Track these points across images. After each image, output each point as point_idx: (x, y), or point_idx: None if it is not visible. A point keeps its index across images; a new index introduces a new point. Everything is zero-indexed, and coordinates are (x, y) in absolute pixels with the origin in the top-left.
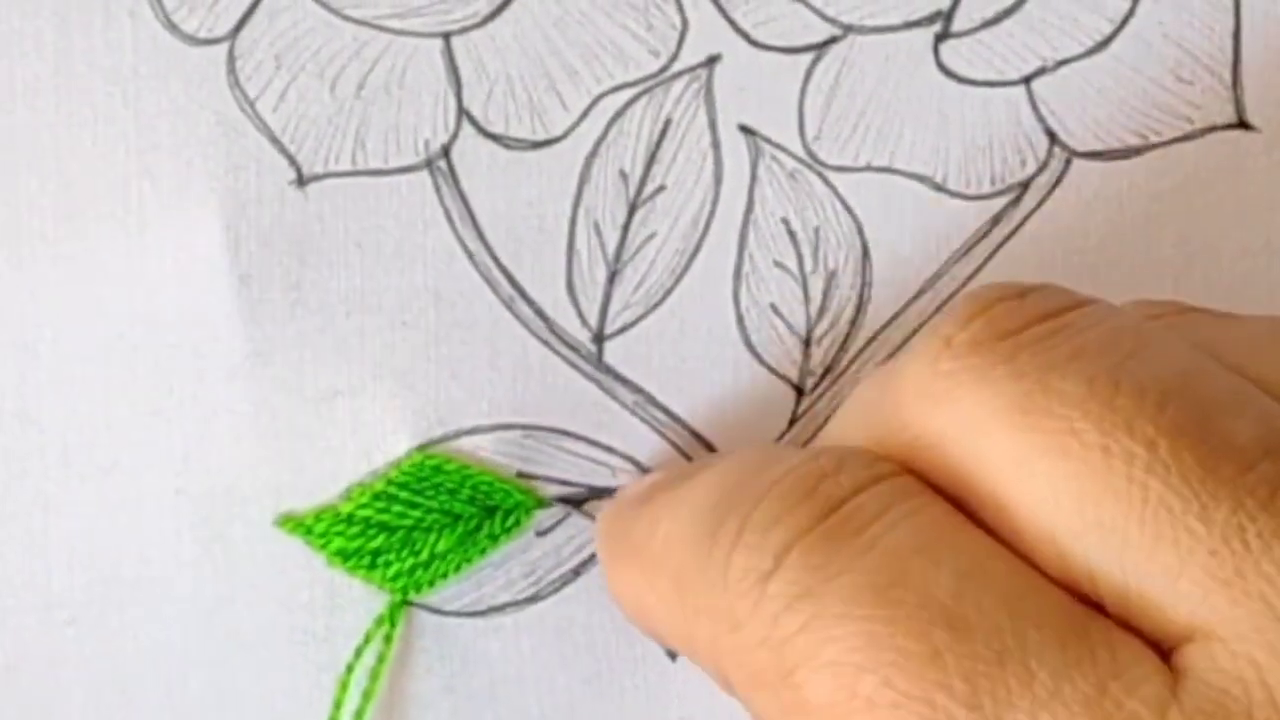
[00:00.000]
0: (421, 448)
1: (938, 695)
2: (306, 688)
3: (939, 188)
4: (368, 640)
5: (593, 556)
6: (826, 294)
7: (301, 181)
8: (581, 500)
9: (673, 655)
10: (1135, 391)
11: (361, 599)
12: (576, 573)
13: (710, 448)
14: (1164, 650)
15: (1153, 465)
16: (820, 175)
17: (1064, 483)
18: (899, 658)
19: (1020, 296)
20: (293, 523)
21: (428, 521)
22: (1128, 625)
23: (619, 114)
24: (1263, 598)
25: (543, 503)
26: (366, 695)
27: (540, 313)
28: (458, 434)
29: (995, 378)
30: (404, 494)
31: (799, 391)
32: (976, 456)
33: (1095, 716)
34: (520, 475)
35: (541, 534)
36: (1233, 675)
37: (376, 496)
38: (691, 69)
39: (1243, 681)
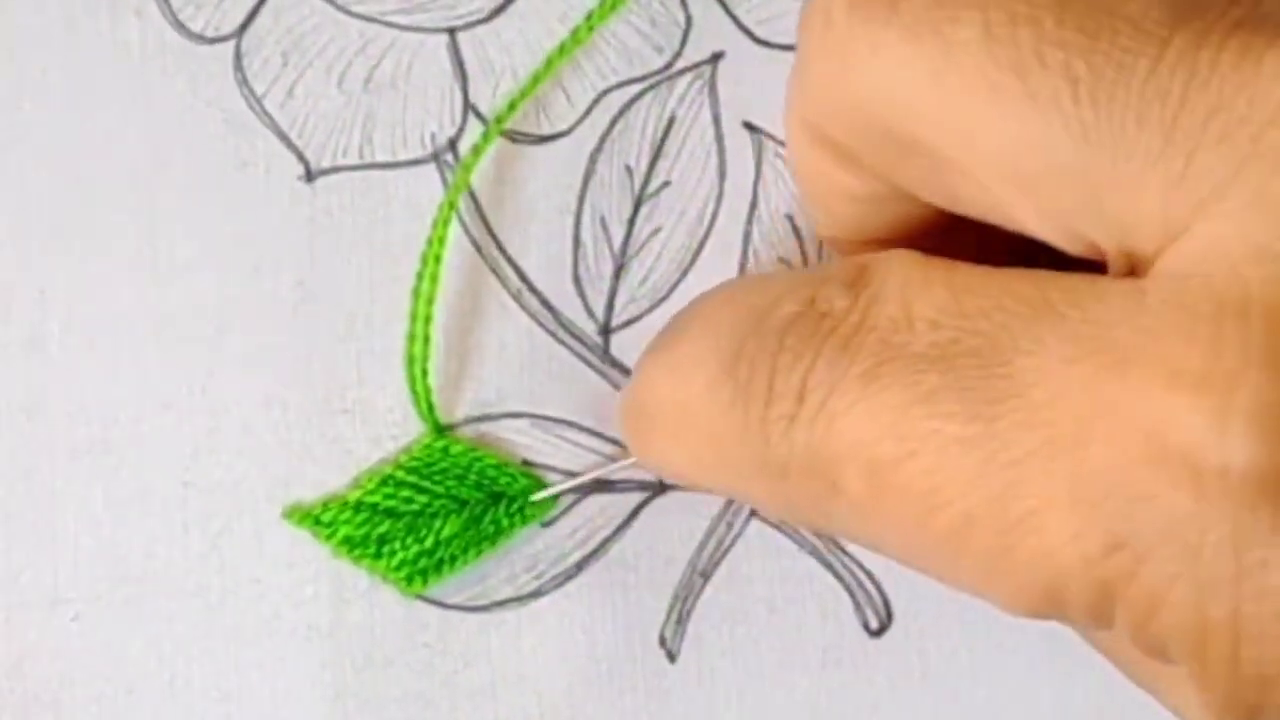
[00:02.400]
0: (433, 435)
1: (941, 425)
2: (310, 682)
3: None
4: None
5: (595, 551)
6: None
7: (310, 176)
8: (586, 491)
9: (671, 656)
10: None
11: (367, 592)
12: (579, 567)
13: None
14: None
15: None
16: None
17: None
18: (901, 416)
19: None
20: (300, 513)
21: (434, 507)
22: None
23: (624, 110)
24: (1230, 162)
25: (546, 488)
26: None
27: (547, 304)
28: (465, 421)
29: (890, 41)
30: (412, 479)
31: None
32: (908, 118)
33: (1074, 357)
34: (525, 464)
35: (546, 525)
36: (1204, 253)
37: (384, 482)
38: (695, 66)
39: (1219, 248)
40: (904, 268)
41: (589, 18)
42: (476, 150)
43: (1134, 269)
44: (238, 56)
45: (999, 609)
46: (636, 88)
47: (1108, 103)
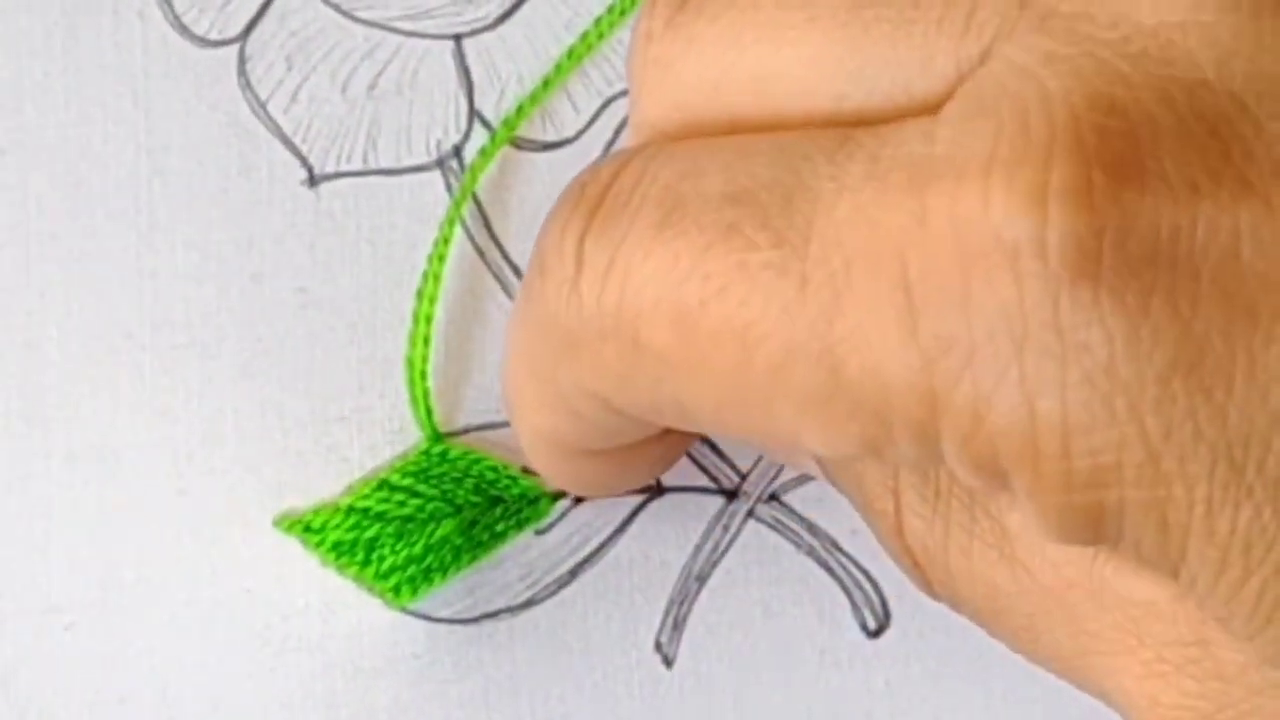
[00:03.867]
0: (431, 441)
1: (748, 256)
2: (302, 693)
3: None
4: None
5: (589, 557)
6: None
7: (313, 181)
8: (582, 496)
9: (668, 661)
10: None
11: (356, 604)
12: (573, 574)
13: (713, 447)
14: None
15: None
16: None
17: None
18: (703, 254)
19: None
20: (289, 521)
21: (428, 510)
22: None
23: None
24: (1012, 3)
25: (546, 494)
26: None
27: None
28: (466, 430)
29: (700, 31)
30: (407, 482)
31: None
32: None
33: (876, 173)
34: (525, 470)
35: (540, 533)
36: (993, 71)
37: (379, 487)
38: None
39: (1009, 63)
40: (683, 141)
41: (598, 23)
42: (486, 153)
43: None
44: (241, 60)
45: (818, 452)
46: None
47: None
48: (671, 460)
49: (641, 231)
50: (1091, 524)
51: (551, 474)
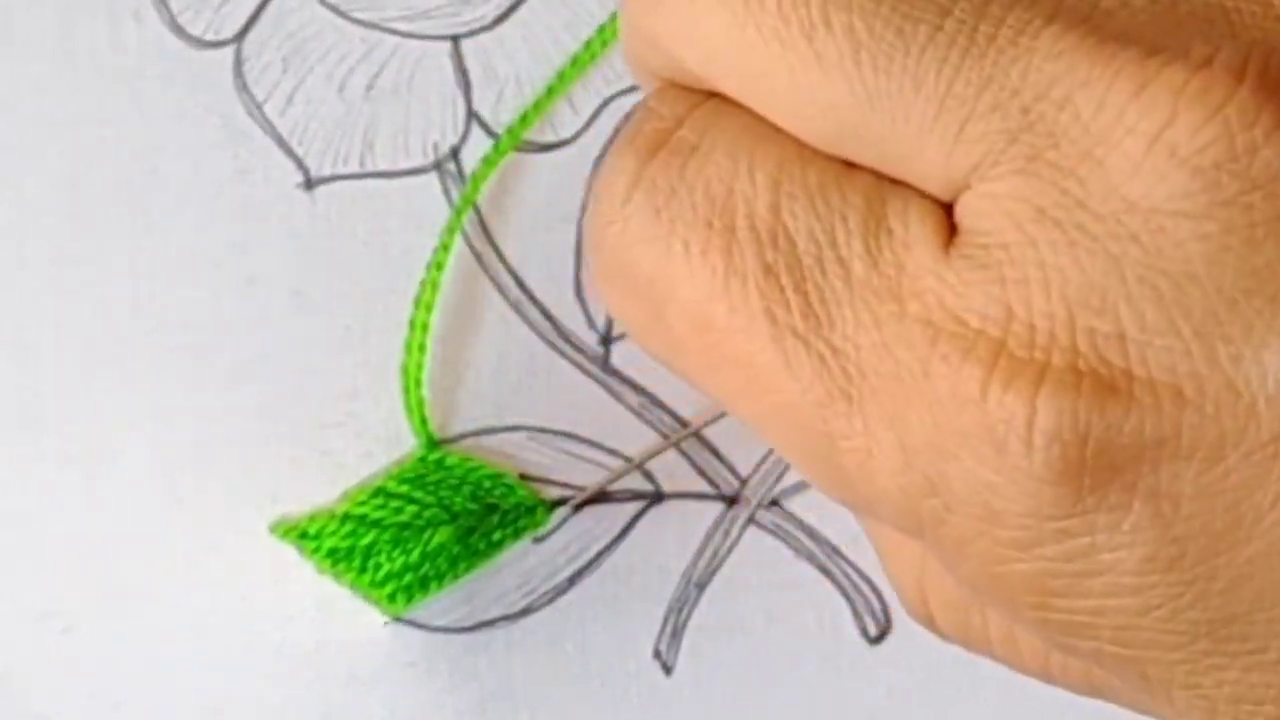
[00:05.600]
0: (426, 448)
1: (778, 311)
2: (297, 701)
3: None
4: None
5: (588, 565)
6: None
7: (309, 184)
8: (582, 503)
9: (667, 669)
10: None
11: (351, 613)
12: (571, 582)
13: (714, 451)
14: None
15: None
16: None
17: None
18: (741, 285)
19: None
20: (285, 527)
21: (425, 518)
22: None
23: (628, 118)
24: (1002, 132)
25: (543, 502)
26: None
27: (548, 315)
28: (462, 436)
29: None
30: (403, 489)
31: None
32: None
33: (900, 289)
34: (523, 478)
35: (538, 540)
36: (990, 211)
37: (375, 494)
38: None
39: (1001, 207)
40: (733, 116)
41: (601, 31)
42: (489, 162)
43: None
44: (238, 62)
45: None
46: (640, 95)
47: (887, 66)
48: None
49: (691, 221)
50: (1070, 653)
51: None
